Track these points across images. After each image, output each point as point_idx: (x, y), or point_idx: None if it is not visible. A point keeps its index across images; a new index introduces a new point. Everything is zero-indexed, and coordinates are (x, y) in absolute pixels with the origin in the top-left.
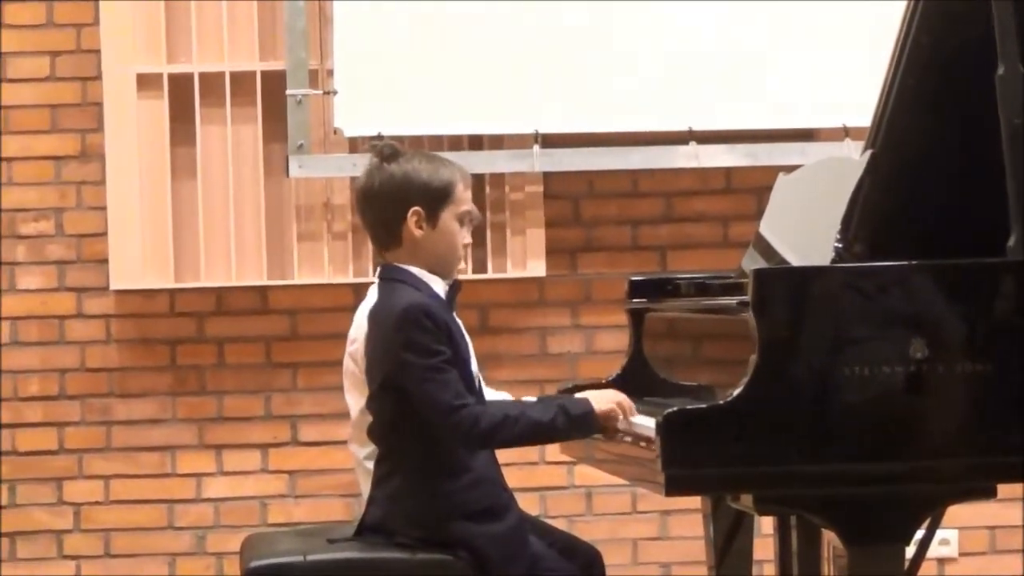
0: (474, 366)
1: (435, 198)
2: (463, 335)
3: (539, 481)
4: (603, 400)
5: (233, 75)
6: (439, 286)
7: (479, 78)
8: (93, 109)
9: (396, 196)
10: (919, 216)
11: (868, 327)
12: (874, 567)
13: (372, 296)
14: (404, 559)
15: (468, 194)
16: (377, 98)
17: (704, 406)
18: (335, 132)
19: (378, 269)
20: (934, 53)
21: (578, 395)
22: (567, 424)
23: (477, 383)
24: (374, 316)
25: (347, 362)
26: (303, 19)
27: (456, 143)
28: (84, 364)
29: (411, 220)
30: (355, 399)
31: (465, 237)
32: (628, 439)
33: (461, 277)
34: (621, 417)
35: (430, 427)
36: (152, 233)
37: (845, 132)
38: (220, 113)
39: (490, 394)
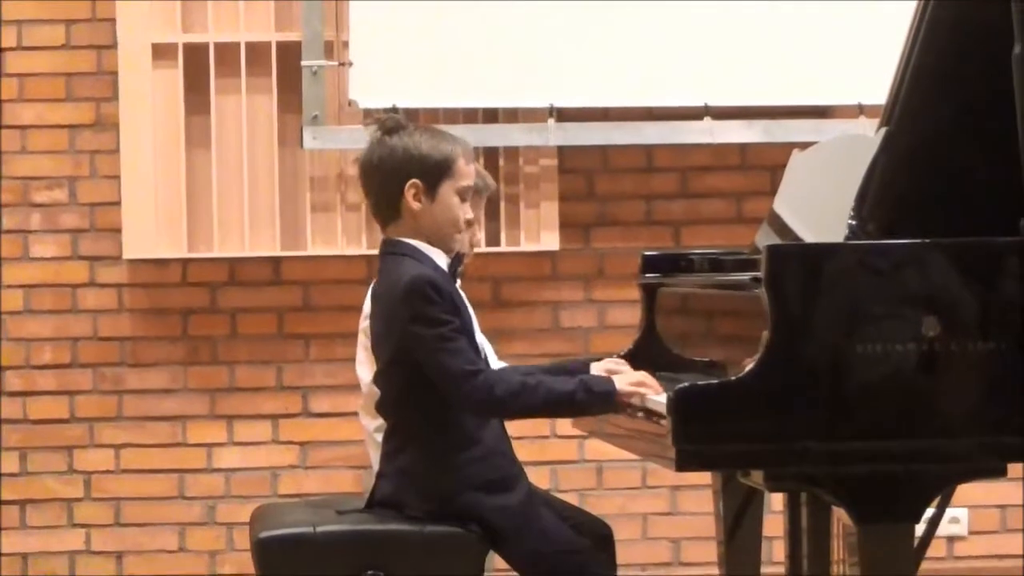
0: (479, 337)
1: (434, 171)
2: (467, 307)
3: (550, 455)
4: (626, 382)
5: (248, 45)
6: (441, 259)
7: (494, 51)
8: (108, 78)
9: (395, 169)
10: (933, 194)
11: (881, 305)
12: (884, 545)
13: None
14: (414, 531)
15: (470, 168)
16: (392, 70)
17: (716, 382)
18: (350, 104)
19: (381, 244)
20: (951, 31)
21: (596, 367)
22: (587, 400)
23: (482, 355)
24: (378, 292)
25: (361, 337)
26: None
27: (471, 116)
28: (96, 333)
29: (408, 193)
30: (366, 372)
31: (467, 212)
32: (640, 414)
33: (476, 250)
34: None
35: (444, 397)
36: (165, 203)
37: (860, 109)
38: (235, 83)
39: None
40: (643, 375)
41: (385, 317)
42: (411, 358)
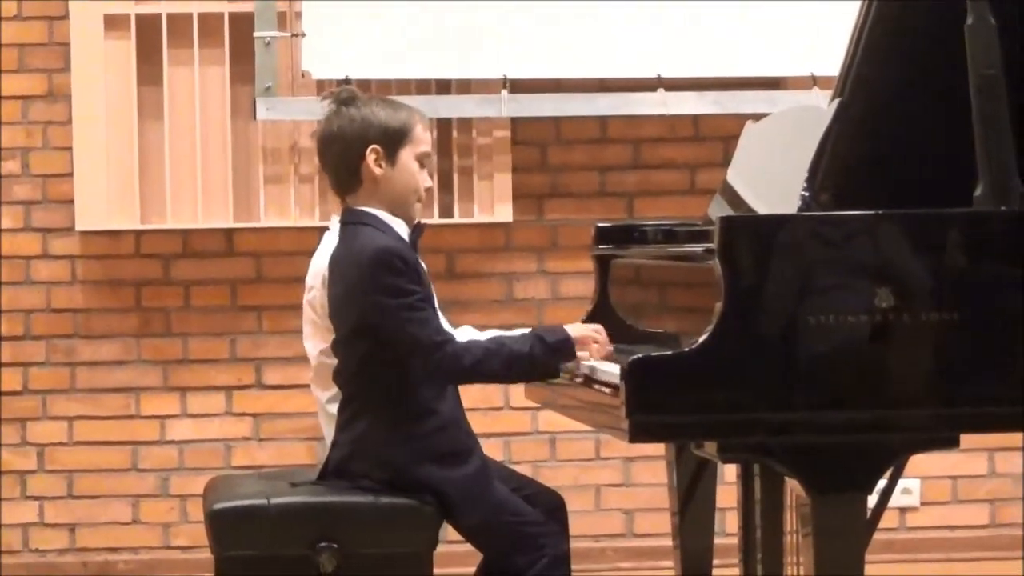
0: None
1: (393, 137)
2: (428, 278)
3: (503, 427)
4: (578, 328)
5: (201, 16)
6: (402, 229)
7: (447, 22)
8: (60, 49)
9: (355, 137)
10: (886, 165)
11: (834, 276)
12: (837, 516)
13: (328, 243)
14: (368, 502)
15: (427, 135)
16: (345, 41)
17: (669, 353)
18: (303, 75)
19: (339, 214)
20: (904, 2)
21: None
22: (545, 352)
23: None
24: (337, 261)
25: (306, 309)
26: None
27: (424, 87)
28: (49, 305)
29: (370, 158)
30: (315, 345)
31: (426, 180)
32: (578, 380)
33: (426, 221)
34: (597, 347)
35: (409, 366)
36: (118, 174)
37: (813, 81)
38: (188, 54)
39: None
40: (595, 326)
41: (346, 287)
42: (373, 329)
